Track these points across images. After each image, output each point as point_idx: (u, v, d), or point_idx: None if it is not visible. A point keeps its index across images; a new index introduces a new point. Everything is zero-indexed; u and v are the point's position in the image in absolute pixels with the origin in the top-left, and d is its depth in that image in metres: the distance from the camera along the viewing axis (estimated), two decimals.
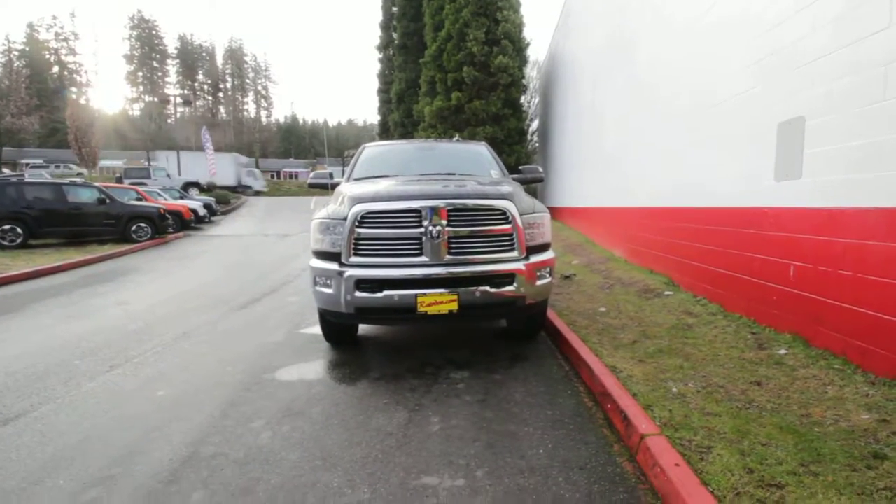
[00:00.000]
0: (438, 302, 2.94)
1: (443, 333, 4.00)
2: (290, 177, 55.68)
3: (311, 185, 4.66)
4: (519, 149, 15.85)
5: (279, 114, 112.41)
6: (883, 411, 2.14)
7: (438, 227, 2.94)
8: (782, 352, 2.93)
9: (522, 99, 16.08)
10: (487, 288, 2.98)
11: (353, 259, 2.99)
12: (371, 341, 3.84)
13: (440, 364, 3.29)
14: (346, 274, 2.94)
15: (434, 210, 2.93)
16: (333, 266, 3.02)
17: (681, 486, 1.66)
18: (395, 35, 22.96)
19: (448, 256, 2.98)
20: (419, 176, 3.94)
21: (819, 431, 2.03)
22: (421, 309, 2.93)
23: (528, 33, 15.04)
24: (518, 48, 15.25)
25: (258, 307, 5.07)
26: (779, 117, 3.29)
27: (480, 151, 4.70)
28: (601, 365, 2.88)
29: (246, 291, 5.84)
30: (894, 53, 2.38)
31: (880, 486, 1.66)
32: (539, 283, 3.13)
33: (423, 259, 2.97)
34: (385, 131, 23.77)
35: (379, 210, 2.97)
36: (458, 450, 2.15)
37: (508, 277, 3.02)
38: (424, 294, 2.92)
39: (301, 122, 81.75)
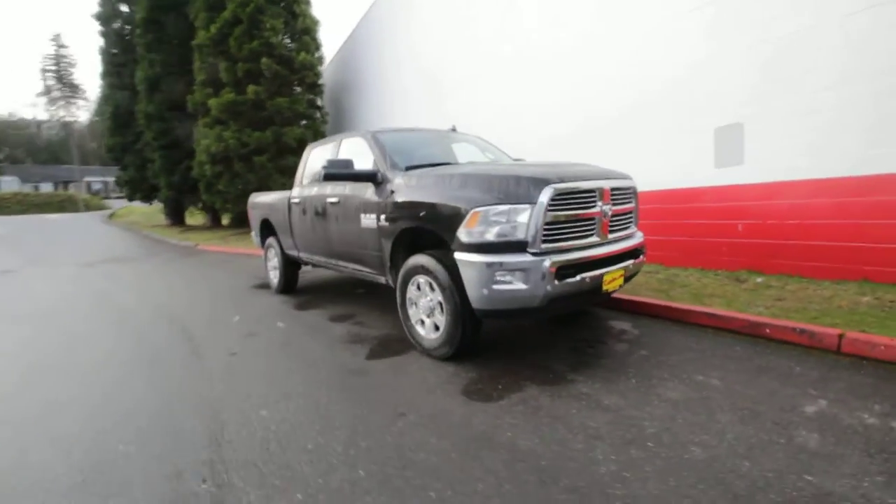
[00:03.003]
0: (615, 279, 3.03)
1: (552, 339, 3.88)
2: None
3: (330, 177, 3.61)
4: None
5: None
6: (858, 297, 3.60)
7: (608, 206, 3.02)
8: (759, 280, 4.33)
9: (320, 101, 15.40)
10: (633, 260, 3.25)
11: (544, 246, 2.72)
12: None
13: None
14: (546, 262, 2.67)
15: (601, 190, 2.99)
16: (522, 257, 2.67)
17: None
18: (124, 6, 17.95)
19: (610, 235, 3.09)
20: (490, 163, 3.73)
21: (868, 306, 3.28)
22: (605, 287, 2.96)
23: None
24: (317, 46, 14.57)
25: None
26: (716, 123, 4.75)
27: (486, 140, 4.69)
28: (713, 309, 3.58)
29: None
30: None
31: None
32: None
33: (595, 239, 2.99)
34: (122, 126, 18.15)
35: (569, 191, 2.80)
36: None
37: (641, 249, 3.37)
38: (608, 272, 2.95)
39: None
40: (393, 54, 12.11)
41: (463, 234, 2.77)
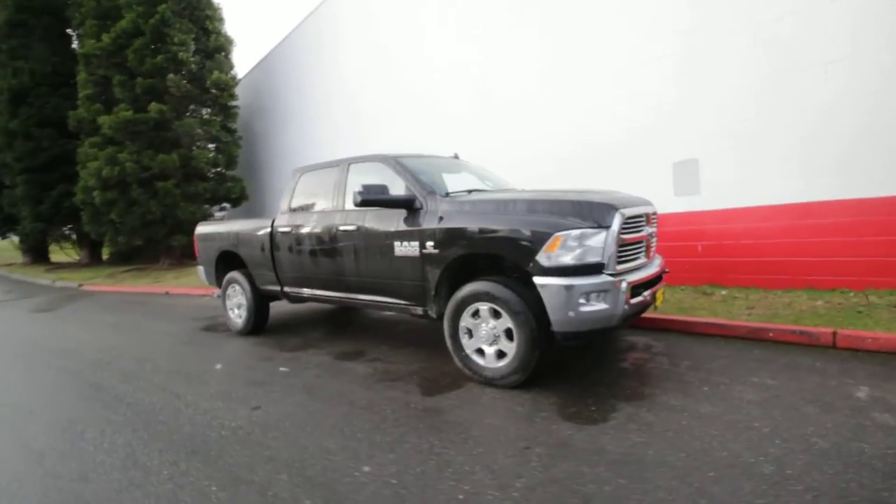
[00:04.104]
0: (660, 295, 3.28)
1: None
2: None
3: (366, 203, 3.36)
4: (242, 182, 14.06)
5: None
6: (811, 302, 4.37)
7: (651, 230, 3.29)
8: (723, 292, 5.00)
9: (233, 125, 14.23)
10: (663, 280, 3.56)
11: (619, 267, 2.87)
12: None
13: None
14: (624, 283, 2.81)
15: (647, 215, 3.26)
16: (602, 278, 2.78)
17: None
18: None
19: (652, 256, 3.36)
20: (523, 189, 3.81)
21: (823, 307, 3.99)
22: (656, 304, 3.19)
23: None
24: (230, 66, 13.57)
25: None
26: (673, 159, 5.47)
27: (487, 169, 4.78)
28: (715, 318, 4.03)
29: None
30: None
31: None
32: None
33: (643, 260, 3.23)
34: None
35: (633, 215, 3.00)
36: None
37: (665, 269, 3.70)
38: (658, 289, 3.19)
39: None
40: (322, 82, 11.78)
41: (543, 259, 2.79)
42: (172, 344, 5.14)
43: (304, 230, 4.31)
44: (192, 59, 12.12)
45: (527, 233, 2.86)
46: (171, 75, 11.60)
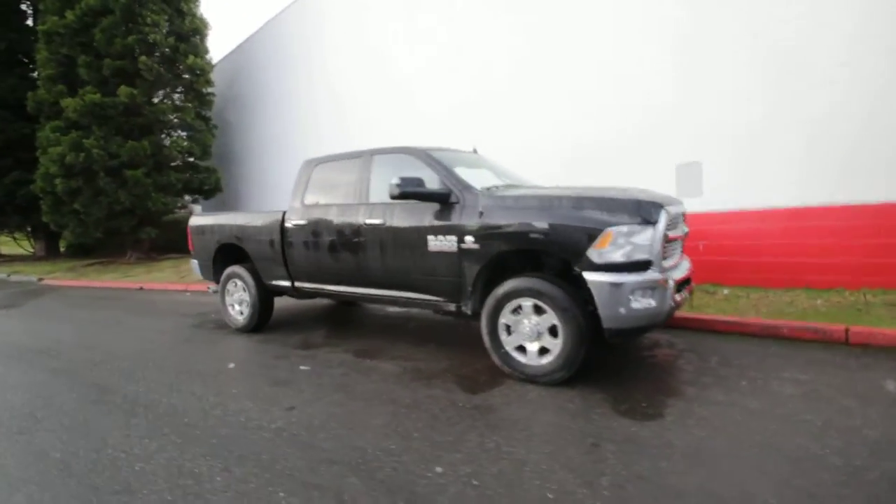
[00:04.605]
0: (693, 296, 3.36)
1: None
2: None
3: (404, 196, 3.26)
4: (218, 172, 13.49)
5: None
6: (811, 301, 4.60)
7: (686, 229, 3.36)
8: (725, 291, 5.20)
9: (208, 112, 13.59)
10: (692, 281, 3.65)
11: (664, 263, 2.92)
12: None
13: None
14: (671, 279, 2.86)
15: (683, 214, 3.33)
16: (652, 275, 2.81)
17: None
18: None
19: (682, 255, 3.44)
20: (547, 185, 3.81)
21: (822, 306, 4.22)
22: (691, 304, 3.26)
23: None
24: (205, 51, 12.93)
25: None
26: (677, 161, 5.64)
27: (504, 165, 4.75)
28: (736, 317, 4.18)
29: None
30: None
31: None
32: None
33: (679, 259, 3.30)
34: None
35: (674, 213, 3.04)
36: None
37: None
38: (692, 289, 3.27)
39: None
40: (307, 71, 11.42)
41: (594, 255, 2.80)
42: (168, 342, 4.84)
43: (322, 223, 4.15)
44: (165, 41, 11.46)
45: (578, 229, 2.86)
46: (142, 57, 10.93)
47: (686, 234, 3.43)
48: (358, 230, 3.89)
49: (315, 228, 4.21)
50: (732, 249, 5.34)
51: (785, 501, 1.78)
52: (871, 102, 4.56)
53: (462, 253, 3.30)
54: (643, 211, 2.88)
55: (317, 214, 4.23)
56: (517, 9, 7.11)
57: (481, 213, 3.24)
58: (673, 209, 3.08)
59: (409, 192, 3.29)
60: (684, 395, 2.80)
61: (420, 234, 3.49)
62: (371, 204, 3.87)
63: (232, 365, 3.89)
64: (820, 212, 4.82)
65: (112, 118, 10.99)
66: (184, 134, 12.96)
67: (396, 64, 9.08)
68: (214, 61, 13.49)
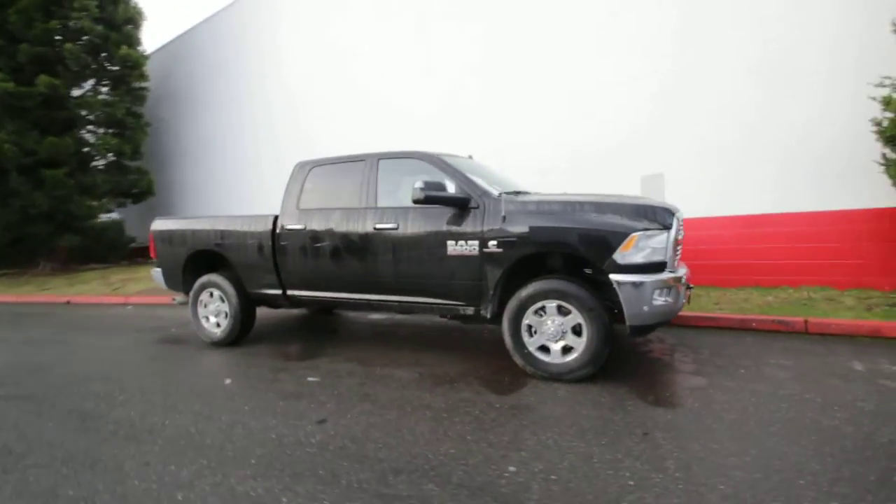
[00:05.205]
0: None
1: None
2: None
3: (429, 200, 3.24)
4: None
5: None
6: (763, 298, 5.20)
7: (683, 234, 3.67)
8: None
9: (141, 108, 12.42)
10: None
11: (675, 265, 3.18)
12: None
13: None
14: (684, 279, 3.13)
15: (682, 220, 3.63)
16: (668, 275, 3.06)
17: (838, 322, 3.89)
18: None
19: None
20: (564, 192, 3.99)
21: (806, 300, 4.80)
22: (688, 303, 3.57)
23: None
24: (139, 41, 11.86)
25: None
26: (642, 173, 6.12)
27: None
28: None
29: None
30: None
31: None
32: None
33: (678, 261, 3.59)
34: None
35: (679, 219, 3.32)
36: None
37: None
38: (692, 289, 3.58)
39: None
40: (259, 66, 10.88)
41: (619, 257, 2.99)
42: (136, 360, 4.38)
43: (323, 228, 3.99)
44: (94, 28, 10.36)
45: (607, 233, 3.03)
46: (68, 44, 9.80)
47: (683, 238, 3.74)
48: (366, 235, 3.80)
49: (314, 234, 4.04)
50: (694, 253, 5.88)
51: (828, 466, 2.03)
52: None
53: (484, 257, 3.35)
54: (660, 216, 3.12)
55: (316, 219, 4.06)
56: (486, 17, 7.35)
57: (504, 218, 3.32)
58: (679, 215, 3.37)
59: (433, 196, 3.29)
60: (698, 384, 3.06)
61: (438, 238, 3.50)
62: (381, 208, 3.80)
63: (228, 380, 3.61)
64: (768, 218, 5.48)
65: (28, 110, 9.70)
66: (110, 132, 11.75)
67: (360, 61, 8.94)
68: (149, 53, 12.40)
